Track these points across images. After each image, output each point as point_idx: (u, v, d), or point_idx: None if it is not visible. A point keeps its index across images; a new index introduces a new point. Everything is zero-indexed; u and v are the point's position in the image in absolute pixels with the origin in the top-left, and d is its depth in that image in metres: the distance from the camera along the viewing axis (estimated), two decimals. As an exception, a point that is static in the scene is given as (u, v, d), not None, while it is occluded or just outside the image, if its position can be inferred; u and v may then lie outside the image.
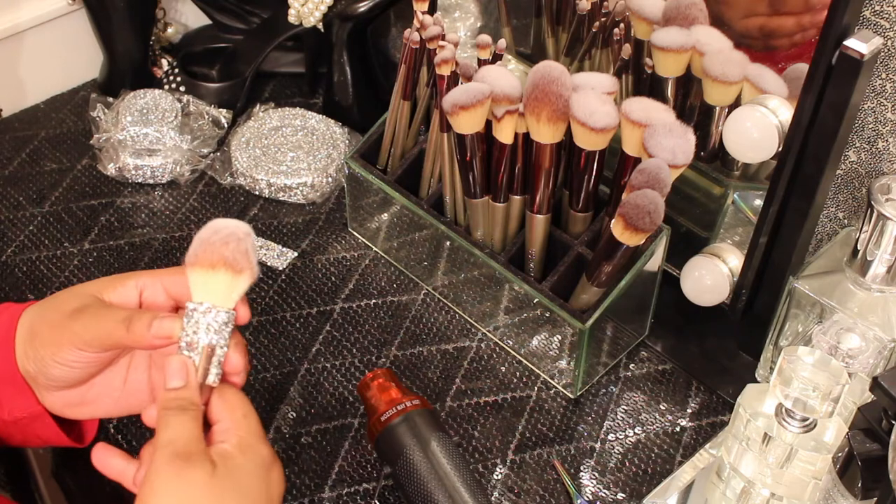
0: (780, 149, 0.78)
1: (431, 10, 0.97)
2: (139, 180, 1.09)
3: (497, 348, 0.94)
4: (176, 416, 0.62)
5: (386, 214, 1.01)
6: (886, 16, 0.75)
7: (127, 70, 1.18)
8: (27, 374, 0.69)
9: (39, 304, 0.70)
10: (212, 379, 0.64)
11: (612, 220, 0.79)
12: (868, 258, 0.77)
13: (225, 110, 1.16)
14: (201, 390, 0.63)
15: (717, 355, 0.93)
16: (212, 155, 1.12)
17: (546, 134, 0.82)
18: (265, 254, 1.02)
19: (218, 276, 0.62)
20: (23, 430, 0.72)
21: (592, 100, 0.80)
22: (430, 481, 0.77)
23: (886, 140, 0.80)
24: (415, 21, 0.92)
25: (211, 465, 0.60)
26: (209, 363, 0.63)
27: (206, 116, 1.15)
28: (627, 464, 0.85)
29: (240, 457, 0.61)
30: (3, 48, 1.16)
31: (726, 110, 0.83)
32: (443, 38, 0.89)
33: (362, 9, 1.10)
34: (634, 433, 0.88)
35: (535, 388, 0.91)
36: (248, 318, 0.66)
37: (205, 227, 0.63)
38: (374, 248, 1.03)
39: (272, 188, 1.07)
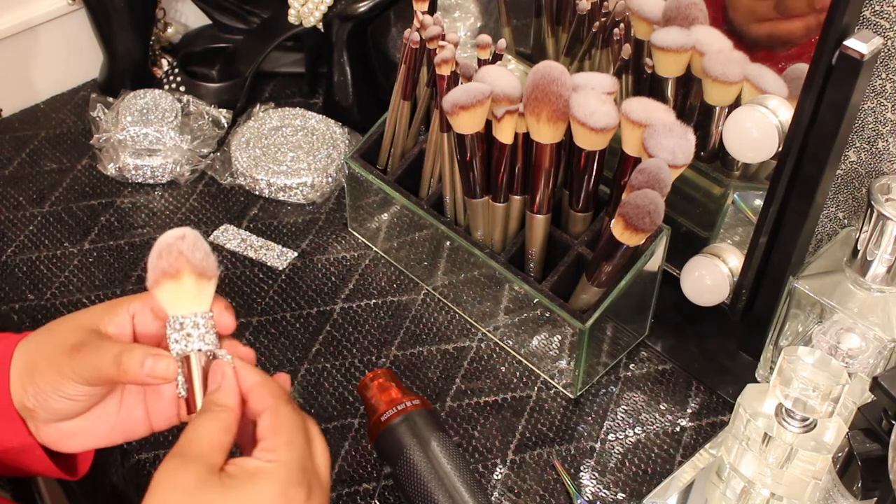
0: (780, 149, 0.78)
1: (431, 10, 0.97)
2: (139, 180, 1.09)
3: (497, 348, 0.94)
4: (197, 416, 0.61)
5: (386, 214, 1.01)
6: (886, 16, 0.75)
7: (127, 70, 1.18)
8: (23, 409, 0.66)
9: (37, 336, 0.67)
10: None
11: (612, 220, 0.79)
12: (868, 258, 0.77)
13: (225, 110, 1.16)
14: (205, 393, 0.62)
15: (717, 355, 0.93)
16: (212, 155, 1.12)
17: (546, 134, 0.82)
18: (265, 254, 1.02)
19: (182, 285, 0.62)
20: (12, 461, 0.70)
21: (592, 100, 0.80)
22: (430, 481, 0.77)
23: (886, 140, 0.80)
24: (415, 21, 0.92)
25: (207, 472, 0.57)
26: (198, 373, 0.62)
27: (206, 116, 1.15)
28: (627, 464, 0.85)
29: (250, 482, 0.58)
30: (3, 48, 1.16)
31: (726, 110, 0.83)
32: (443, 38, 0.89)
33: (362, 9, 1.10)
34: (634, 433, 0.88)
35: (535, 388, 0.91)
36: (234, 326, 0.64)
37: (152, 251, 0.63)
38: (374, 248, 1.03)
39: (272, 188, 1.07)
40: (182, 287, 0.62)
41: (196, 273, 0.62)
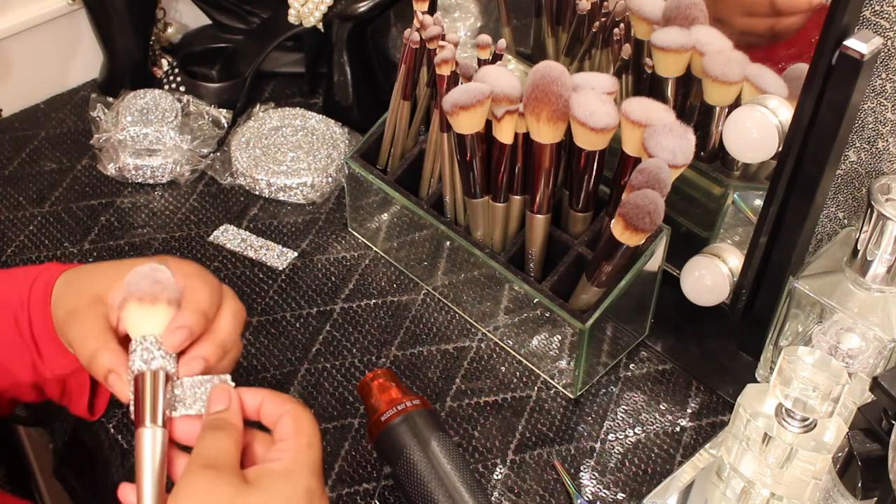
0: (780, 149, 0.78)
1: (431, 10, 0.97)
2: (139, 180, 1.09)
3: (497, 348, 0.94)
4: (212, 432, 0.63)
5: (386, 214, 1.01)
6: (886, 16, 0.75)
7: (127, 70, 1.18)
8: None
9: (66, 281, 0.72)
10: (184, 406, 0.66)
11: (612, 220, 0.79)
12: (868, 258, 0.77)
13: (225, 110, 1.16)
14: (156, 411, 0.64)
15: (717, 355, 0.93)
16: (212, 155, 1.12)
17: (546, 134, 0.82)
18: (265, 254, 1.02)
19: (139, 310, 0.66)
20: (59, 388, 0.75)
21: (592, 100, 0.80)
22: (430, 481, 0.77)
23: (886, 140, 0.81)
24: (415, 21, 0.92)
25: (240, 481, 0.60)
26: (159, 387, 0.65)
27: (206, 116, 1.15)
28: (627, 464, 0.85)
29: (281, 481, 0.61)
30: (3, 48, 1.16)
31: (726, 110, 0.83)
32: (443, 38, 0.89)
33: (362, 9, 1.10)
34: (634, 433, 0.88)
35: (535, 388, 0.91)
36: (180, 345, 0.66)
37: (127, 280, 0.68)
38: (374, 248, 1.03)
39: (272, 188, 1.07)
40: (142, 311, 0.66)
41: (166, 303, 0.67)
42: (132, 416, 0.64)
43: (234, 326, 0.69)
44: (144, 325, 0.66)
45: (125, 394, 0.65)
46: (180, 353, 0.67)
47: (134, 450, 0.64)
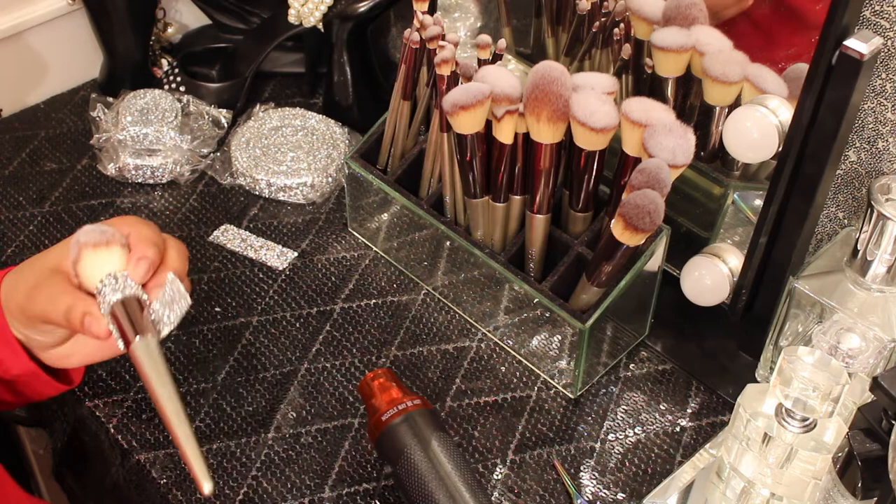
0: (780, 149, 0.78)
1: (431, 10, 0.97)
2: (139, 180, 1.09)
3: (497, 348, 0.94)
4: None
5: (386, 214, 1.01)
6: (886, 16, 0.75)
7: (127, 70, 1.18)
8: (21, 338, 0.75)
9: (10, 279, 0.75)
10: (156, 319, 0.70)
11: (612, 220, 0.79)
12: (868, 258, 0.77)
13: (225, 110, 1.16)
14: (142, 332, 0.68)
15: (717, 355, 0.93)
16: (212, 155, 1.12)
17: (546, 134, 0.82)
18: (265, 254, 1.02)
19: (95, 255, 0.70)
20: (20, 387, 0.78)
21: (592, 100, 0.80)
22: (430, 481, 0.77)
23: (886, 140, 0.81)
24: (415, 21, 0.92)
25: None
26: (136, 309, 0.69)
27: (206, 116, 1.15)
28: (627, 464, 0.85)
29: None
30: (3, 48, 1.16)
31: (726, 110, 0.83)
32: (443, 38, 0.89)
33: (362, 9, 1.10)
34: (634, 433, 0.88)
35: (535, 388, 0.91)
36: (146, 275, 0.70)
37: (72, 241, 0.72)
38: (374, 248, 1.03)
39: (272, 188, 1.07)
40: (99, 254, 0.70)
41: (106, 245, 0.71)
42: (121, 347, 0.68)
43: (182, 260, 0.73)
44: (105, 266, 0.70)
45: (103, 327, 0.68)
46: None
47: (138, 372, 0.68)
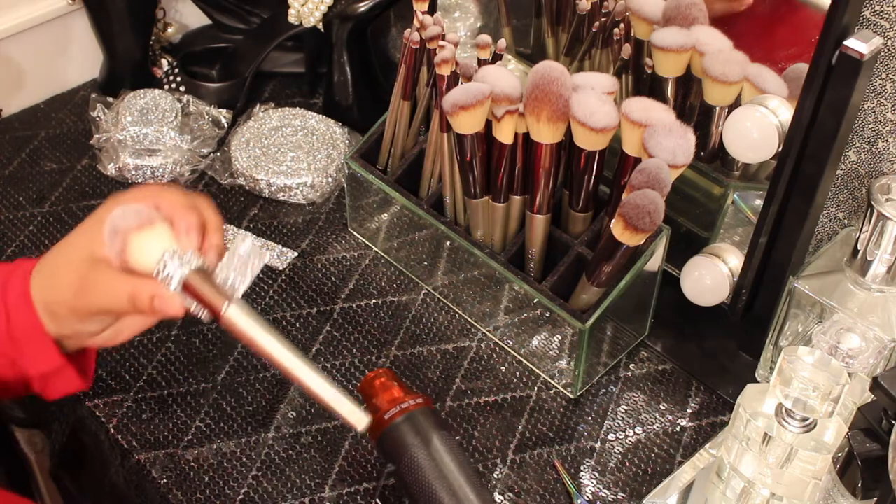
0: (780, 149, 0.78)
1: (431, 10, 0.97)
2: (139, 180, 1.09)
3: (497, 348, 0.94)
4: None
5: (386, 214, 1.01)
6: (886, 16, 0.75)
7: (127, 70, 1.18)
8: (61, 337, 0.74)
9: (45, 282, 0.73)
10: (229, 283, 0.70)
11: (612, 220, 0.79)
12: (868, 258, 0.77)
13: (225, 110, 1.16)
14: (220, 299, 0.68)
15: (717, 355, 0.93)
16: (212, 155, 1.12)
17: (546, 134, 0.82)
18: (265, 254, 1.02)
19: (143, 237, 0.69)
20: (44, 384, 0.77)
21: (592, 100, 0.80)
22: (433, 479, 0.77)
23: (886, 140, 0.81)
24: (415, 21, 0.92)
25: None
26: (211, 278, 0.69)
27: (206, 116, 1.15)
28: (627, 464, 0.85)
29: None
30: (3, 48, 1.16)
31: (726, 110, 0.83)
32: (443, 38, 0.89)
33: (362, 9, 1.10)
34: (634, 433, 0.88)
35: (535, 388, 0.91)
36: (219, 248, 0.71)
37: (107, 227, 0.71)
38: (374, 248, 1.03)
39: (272, 188, 1.07)
40: (146, 235, 0.69)
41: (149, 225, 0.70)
42: (203, 318, 0.69)
43: (215, 211, 0.73)
44: (155, 246, 0.69)
45: (178, 305, 0.69)
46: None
47: (237, 337, 0.68)
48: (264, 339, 0.67)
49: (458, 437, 0.87)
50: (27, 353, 0.74)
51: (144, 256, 0.69)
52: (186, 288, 0.68)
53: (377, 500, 0.82)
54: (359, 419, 0.66)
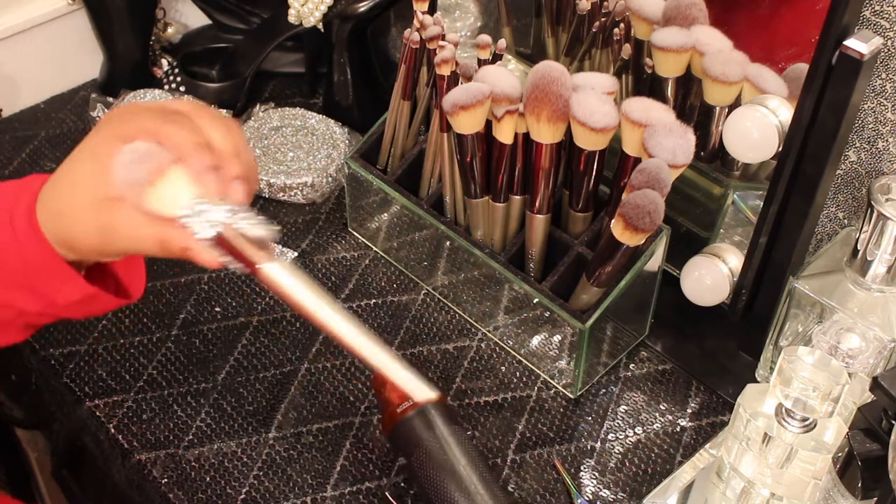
0: (780, 149, 0.78)
1: (431, 10, 0.97)
2: (139, 180, 1.09)
3: (497, 348, 0.94)
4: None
5: (386, 214, 1.01)
6: (886, 16, 0.75)
7: (127, 70, 1.18)
8: (83, 263, 0.70)
9: (57, 222, 0.68)
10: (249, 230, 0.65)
11: (612, 221, 0.79)
12: (868, 258, 0.77)
13: (225, 110, 1.16)
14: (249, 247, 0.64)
15: (717, 355, 0.93)
16: (212, 155, 1.12)
17: (546, 134, 0.82)
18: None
19: (156, 190, 0.65)
20: (82, 308, 0.73)
21: (592, 100, 0.80)
22: (445, 474, 0.77)
23: (886, 140, 0.81)
24: (415, 21, 0.92)
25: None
26: (237, 236, 0.64)
27: (206, 116, 1.15)
28: (627, 464, 0.85)
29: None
30: (3, 48, 1.16)
31: (726, 110, 0.83)
32: (443, 38, 0.89)
33: (362, 9, 1.10)
34: (634, 433, 0.88)
35: (535, 388, 0.91)
36: (249, 190, 0.66)
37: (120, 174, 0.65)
38: (374, 248, 1.03)
39: (272, 188, 1.07)
40: (160, 188, 0.64)
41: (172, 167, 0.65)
42: (239, 270, 0.65)
43: (230, 138, 0.67)
44: (172, 196, 0.64)
45: (212, 258, 0.65)
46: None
47: (275, 293, 0.64)
48: (304, 295, 0.63)
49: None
50: (53, 285, 0.70)
51: (162, 205, 0.64)
52: (218, 244, 0.63)
53: (379, 499, 0.82)
54: (419, 392, 0.62)
